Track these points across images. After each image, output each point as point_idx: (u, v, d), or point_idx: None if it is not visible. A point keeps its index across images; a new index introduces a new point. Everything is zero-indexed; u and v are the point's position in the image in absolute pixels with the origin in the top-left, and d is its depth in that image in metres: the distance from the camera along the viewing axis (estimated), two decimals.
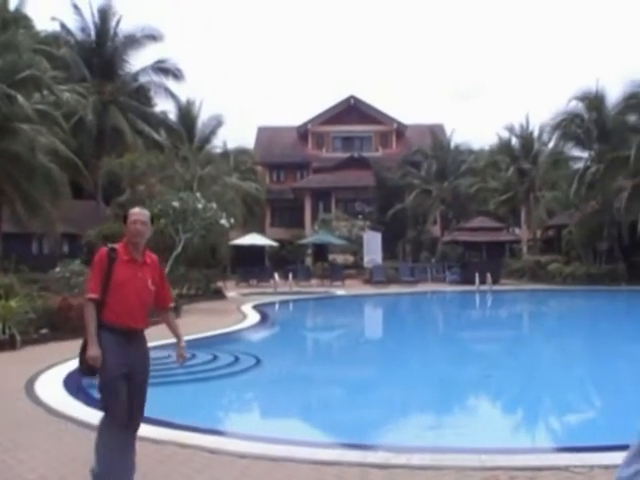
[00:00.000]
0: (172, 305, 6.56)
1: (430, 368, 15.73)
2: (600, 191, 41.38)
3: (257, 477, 6.56)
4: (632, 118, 41.53)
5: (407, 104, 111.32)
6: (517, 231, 59.03)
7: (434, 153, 56.82)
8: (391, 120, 66.86)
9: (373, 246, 46.33)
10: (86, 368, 5.82)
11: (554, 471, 6.54)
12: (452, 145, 58.39)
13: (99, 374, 5.78)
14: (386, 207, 53.60)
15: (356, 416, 10.82)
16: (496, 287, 37.80)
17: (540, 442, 9.28)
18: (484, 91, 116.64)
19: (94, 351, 5.70)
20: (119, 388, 5.75)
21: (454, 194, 53.26)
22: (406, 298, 37.17)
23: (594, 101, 42.95)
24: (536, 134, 55.55)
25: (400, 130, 67.29)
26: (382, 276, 42.08)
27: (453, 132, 60.72)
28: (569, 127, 43.88)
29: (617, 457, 6.86)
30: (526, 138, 56.08)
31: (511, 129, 56.50)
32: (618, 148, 39.33)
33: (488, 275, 36.94)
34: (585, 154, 44.48)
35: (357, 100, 66.43)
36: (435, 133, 59.52)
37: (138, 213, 6.09)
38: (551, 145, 48.71)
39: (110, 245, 6.04)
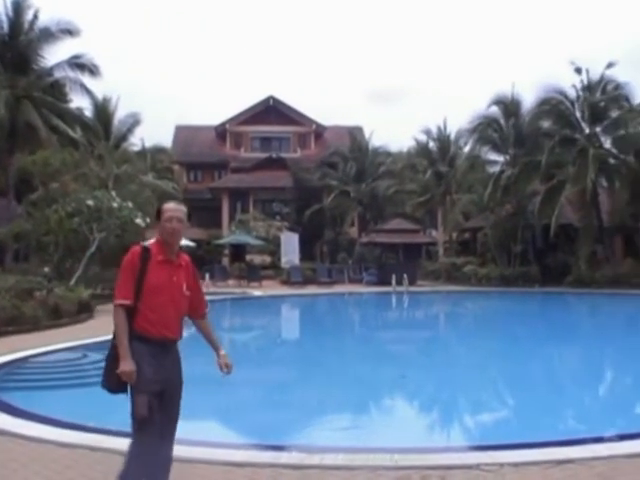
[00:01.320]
0: (207, 311, 5.85)
1: (346, 369, 15.74)
2: (515, 195, 42.17)
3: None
4: (546, 124, 42.44)
5: (326, 106, 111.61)
6: (434, 233, 59.74)
7: (352, 155, 57.06)
8: (310, 121, 66.94)
9: (290, 247, 46.28)
10: (117, 384, 5.16)
11: (465, 469, 6.62)
12: (370, 147, 58.73)
13: (133, 390, 5.14)
14: (304, 208, 53.65)
15: (271, 417, 10.76)
16: (412, 288, 38.13)
17: (452, 441, 9.39)
18: (404, 95, 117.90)
19: (129, 365, 5.07)
20: (154, 405, 5.15)
21: (372, 196, 53.60)
22: (323, 299, 37.26)
23: (510, 106, 43.81)
24: (453, 138, 56.35)
25: (319, 131, 67.42)
26: (299, 277, 42.11)
27: (372, 134, 61.03)
28: (485, 131, 44.60)
29: (526, 454, 7.08)
30: (443, 141, 56.86)
31: (429, 133, 57.24)
32: (532, 153, 40.17)
33: (404, 276, 37.24)
34: (501, 158, 45.29)
35: (276, 101, 66.31)
36: (354, 135, 59.78)
37: (174, 209, 5.42)
38: (468, 149, 49.40)
39: (143, 244, 5.38)
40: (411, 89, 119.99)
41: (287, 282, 42.35)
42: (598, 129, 40.87)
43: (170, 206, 5.45)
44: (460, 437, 9.82)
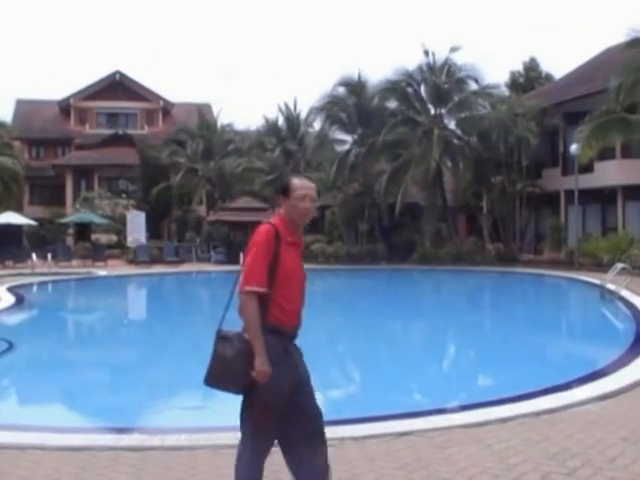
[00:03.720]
0: None
1: (192, 349, 15.59)
2: (362, 173, 42.75)
3: (1, 468, 6.16)
4: (392, 104, 43.21)
5: (175, 83, 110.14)
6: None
7: (201, 132, 56.46)
8: (157, 97, 65.82)
9: (137, 225, 45.53)
10: (247, 385, 4.57)
11: None
12: (219, 125, 58.32)
13: (262, 391, 4.54)
14: (151, 186, 52.74)
15: (113, 399, 10.57)
16: None
17: None
18: (255, 73, 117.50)
19: (267, 365, 4.47)
20: (284, 408, 4.69)
21: (220, 174, 53.19)
22: (170, 278, 36.85)
23: (357, 86, 44.25)
24: (303, 116, 56.60)
25: (167, 108, 66.41)
26: (146, 256, 41.40)
27: (220, 112, 60.56)
28: (333, 111, 44.94)
29: (367, 428, 7.19)
30: (293, 120, 57.04)
31: (279, 111, 57.30)
32: (379, 133, 40.74)
33: None
34: (349, 137, 45.77)
35: (123, 76, 64.82)
36: (202, 112, 59.15)
37: (307, 186, 4.84)
38: (317, 128, 49.69)
39: (272, 222, 4.76)
40: (263, 67, 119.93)
41: (134, 261, 41.56)
42: (443, 110, 41.90)
43: (303, 183, 4.86)
44: None
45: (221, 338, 4.66)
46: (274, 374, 4.51)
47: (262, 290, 4.51)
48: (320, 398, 11.09)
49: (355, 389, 11.59)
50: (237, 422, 7.87)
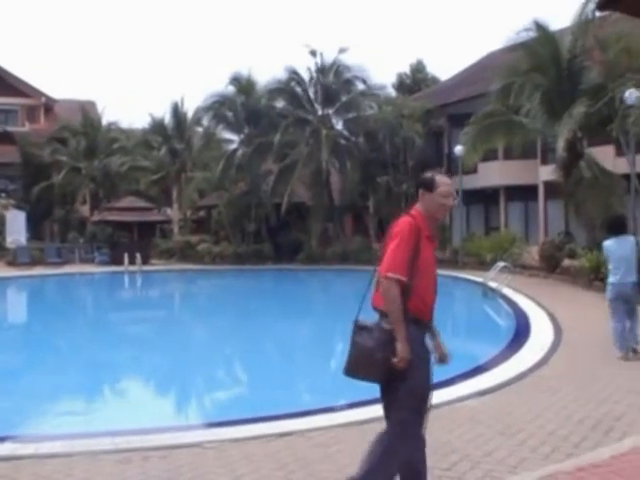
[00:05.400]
0: None
1: (73, 353, 15.22)
2: (249, 173, 42.64)
3: None
4: (280, 104, 43.28)
5: (58, 80, 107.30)
6: (169, 211, 59.21)
7: (84, 130, 55.29)
8: (39, 93, 64.05)
9: (17, 226, 44.20)
10: (385, 373, 4.59)
11: (187, 448, 6.60)
12: (104, 122, 57.25)
13: (410, 378, 4.59)
14: (32, 185, 51.36)
15: None
16: (146, 267, 37.65)
17: (176, 421, 9.29)
18: (141, 70, 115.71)
19: (407, 350, 4.51)
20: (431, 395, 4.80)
21: (104, 173, 52.20)
22: (53, 280, 35.91)
23: (245, 86, 44.14)
24: (190, 115, 56.04)
25: (49, 105, 64.69)
26: (26, 257, 40.25)
27: (105, 109, 59.41)
28: (220, 110, 44.72)
29: (248, 429, 7.15)
30: (180, 118, 56.40)
31: (167, 110, 56.58)
32: (267, 132, 40.75)
33: (138, 255, 36.64)
34: (236, 137, 45.62)
35: (1, 70, 62.88)
36: (86, 110, 57.90)
37: (450, 183, 4.99)
38: (204, 127, 49.33)
39: (412, 215, 4.84)
40: (152, 66, 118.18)
41: (13, 263, 40.31)
42: (330, 111, 42.18)
43: (445, 180, 4.94)
44: (184, 417, 9.77)
45: (359, 328, 4.77)
46: (421, 370, 4.66)
47: (404, 279, 4.60)
48: (203, 400, 11.00)
49: (239, 390, 11.48)
50: (115, 427, 7.76)
